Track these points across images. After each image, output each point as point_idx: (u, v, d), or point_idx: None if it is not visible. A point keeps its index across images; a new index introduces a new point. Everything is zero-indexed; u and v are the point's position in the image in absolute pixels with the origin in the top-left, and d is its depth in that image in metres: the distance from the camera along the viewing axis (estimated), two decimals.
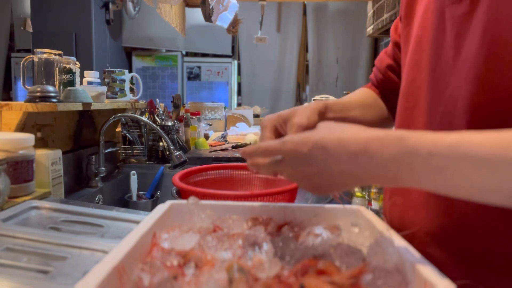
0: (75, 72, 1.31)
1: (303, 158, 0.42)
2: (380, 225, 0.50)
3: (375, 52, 4.21)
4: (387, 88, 0.76)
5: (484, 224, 0.48)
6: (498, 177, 0.34)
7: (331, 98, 3.19)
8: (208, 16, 2.57)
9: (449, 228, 0.51)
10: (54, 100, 1.09)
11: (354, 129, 0.42)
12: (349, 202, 2.69)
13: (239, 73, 4.48)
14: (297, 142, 0.43)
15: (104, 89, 1.45)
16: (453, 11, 0.50)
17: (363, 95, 0.76)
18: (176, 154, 1.40)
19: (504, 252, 0.47)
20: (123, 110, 1.66)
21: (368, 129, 0.41)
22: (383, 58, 0.77)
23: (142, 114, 1.88)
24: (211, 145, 2.18)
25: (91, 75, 1.45)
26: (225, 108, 3.21)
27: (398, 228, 0.53)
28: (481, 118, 0.47)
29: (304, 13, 4.32)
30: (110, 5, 3.47)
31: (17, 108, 1.02)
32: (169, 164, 1.72)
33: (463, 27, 0.49)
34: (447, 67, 0.52)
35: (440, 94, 0.54)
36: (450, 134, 0.37)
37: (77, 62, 1.34)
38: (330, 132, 0.42)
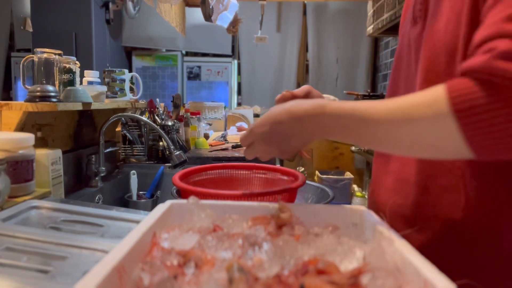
0: (75, 72, 1.31)
1: (267, 134, 0.58)
2: (380, 225, 0.50)
3: (375, 51, 4.21)
4: None
5: (431, 200, 0.60)
6: (380, 133, 0.49)
7: (332, 97, 3.19)
8: (208, 16, 2.57)
9: (407, 205, 0.63)
10: (54, 99, 1.09)
11: (302, 101, 0.56)
12: (348, 202, 2.69)
13: (239, 73, 4.48)
14: (260, 125, 0.59)
15: (104, 88, 1.45)
16: (413, 32, 0.63)
17: None
18: (176, 153, 1.41)
19: (448, 223, 0.58)
20: (123, 109, 1.66)
21: (312, 100, 0.56)
22: None
23: (142, 113, 1.88)
24: (211, 145, 2.18)
25: (91, 75, 1.45)
26: (225, 107, 3.21)
27: (374, 208, 0.70)
28: None
29: (304, 12, 4.31)
30: (110, 5, 3.47)
31: (17, 108, 1.02)
32: (169, 164, 1.72)
33: (419, 44, 0.61)
34: (413, 78, 0.63)
35: None
36: (352, 101, 0.52)
37: (77, 62, 1.34)
38: (284, 106, 0.57)
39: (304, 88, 0.77)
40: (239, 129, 2.43)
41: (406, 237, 0.47)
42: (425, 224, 0.60)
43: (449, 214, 0.58)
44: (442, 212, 0.59)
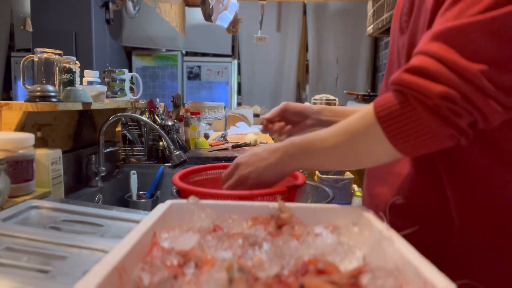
0: (75, 72, 1.31)
1: (246, 162, 0.69)
2: (380, 224, 0.50)
3: (375, 51, 4.21)
4: None
5: (426, 193, 0.63)
6: (330, 154, 0.60)
7: (331, 97, 3.19)
8: (208, 16, 2.57)
9: (403, 199, 0.65)
10: (54, 99, 1.09)
11: (276, 144, 0.66)
12: (348, 202, 2.69)
13: (239, 73, 4.48)
14: (241, 157, 0.71)
15: (104, 88, 1.45)
16: (400, 41, 0.67)
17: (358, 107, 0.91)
18: (176, 153, 1.40)
19: (438, 214, 0.60)
20: (123, 109, 1.66)
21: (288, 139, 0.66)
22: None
23: (142, 113, 1.88)
24: (211, 145, 2.18)
25: (91, 75, 1.45)
26: (225, 107, 3.21)
27: (369, 201, 0.74)
28: None
29: (304, 12, 4.31)
30: (110, 5, 3.47)
31: (17, 108, 1.02)
32: (169, 164, 1.71)
33: (404, 53, 0.65)
34: None
35: None
36: (315, 133, 0.62)
37: (77, 62, 1.34)
38: (263, 147, 0.68)
39: (280, 107, 0.85)
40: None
41: (398, 229, 0.48)
42: (419, 222, 0.61)
43: (441, 212, 0.60)
44: (435, 210, 0.61)
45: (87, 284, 0.32)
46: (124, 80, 1.63)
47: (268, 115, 0.84)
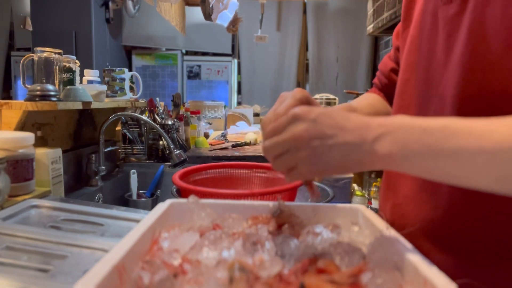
0: (75, 71, 1.31)
1: (308, 123, 0.44)
2: (380, 224, 0.50)
3: (375, 50, 4.20)
4: (392, 92, 0.76)
5: (468, 215, 0.50)
6: (484, 163, 0.37)
7: (331, 97, 3.19)
8: (208, 15, 2.56)
9: (436, 220, 0.53)
10: (54, 99, 1.09)
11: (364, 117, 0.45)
12: (348, 201, 2.69)
13: (239, 72, 4.47)
14: (305, 110, 0.45)
15: (104, 88, 1.45)
16: (445, 12, 0.52)
17: (370, 100, 0.78)
18: (176, 153, 1.40)
19: (486, 241, 0.50)
20: (123, 109, 1.66)
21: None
22: (387, 62, 0.78)
23: (142, 113, 1.88)
24: (211, 144, 2.18)
25: (91, 74, 1.45)
26: (225, 107, 3.20)
27: (389, 221, 0.58)
28: (466, 116, 0.49)
29: (304, 11, 4.31)
30: (110, 4, 3.47)
31: (17, 107, 1.02)
32: (169, 163, 1.71)
33: (454, 27, 0.51)
34: (439, 66, 0.54)
35: (432, 92, 0.55)
36: (440, 117, 0.41)
37: (77, 61, 1.34)
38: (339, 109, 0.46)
39: (297, 97, 0.52)
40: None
41: (431, 257, 0.42)
42: (456, 243, 0.52)
43: (487, 232, 0.49)
44: (479, 229, 0.50)
45: (87, 283, 0.32)
46: (124, 79, 1.63)
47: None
